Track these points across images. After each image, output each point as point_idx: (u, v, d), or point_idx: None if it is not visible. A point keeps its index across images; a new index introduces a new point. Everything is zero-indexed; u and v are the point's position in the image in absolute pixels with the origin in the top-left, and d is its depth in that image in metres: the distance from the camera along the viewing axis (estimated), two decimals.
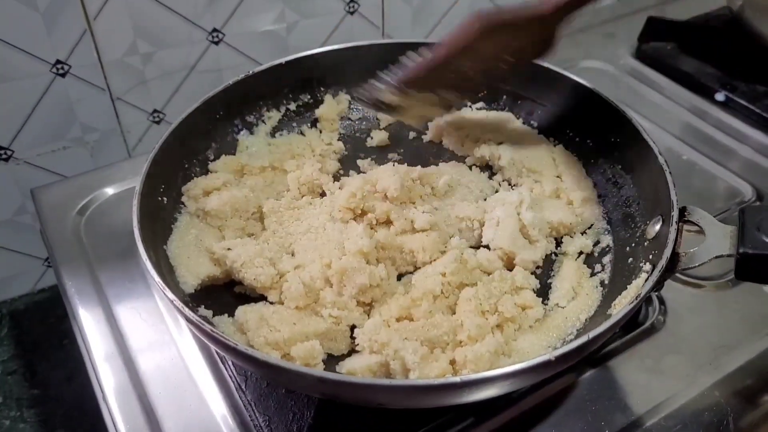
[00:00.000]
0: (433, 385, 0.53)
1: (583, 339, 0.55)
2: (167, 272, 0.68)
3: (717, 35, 1.15)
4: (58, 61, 1.13)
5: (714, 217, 0.85)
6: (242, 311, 0.67)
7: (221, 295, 0.72)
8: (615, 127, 0.79)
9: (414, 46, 0.91)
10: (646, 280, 0.60)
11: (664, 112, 1.06)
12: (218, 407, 0.68)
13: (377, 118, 0.94)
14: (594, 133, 0.84)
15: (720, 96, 1.06)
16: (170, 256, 0.71)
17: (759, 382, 0.70)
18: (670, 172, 0.68)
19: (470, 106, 0.93)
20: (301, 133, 0.90)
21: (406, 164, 0.87)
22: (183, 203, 0.77)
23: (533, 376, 0.59)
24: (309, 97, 0.92)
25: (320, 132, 0.91)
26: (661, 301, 0.77)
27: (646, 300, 0.76)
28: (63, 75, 1.15)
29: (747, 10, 1.09)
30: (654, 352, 0.72)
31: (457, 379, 0.52)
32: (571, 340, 0.55)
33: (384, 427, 0.66)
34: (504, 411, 0.67)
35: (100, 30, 1.14)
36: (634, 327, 0.74)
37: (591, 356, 0.71)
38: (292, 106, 0.91)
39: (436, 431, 0.65)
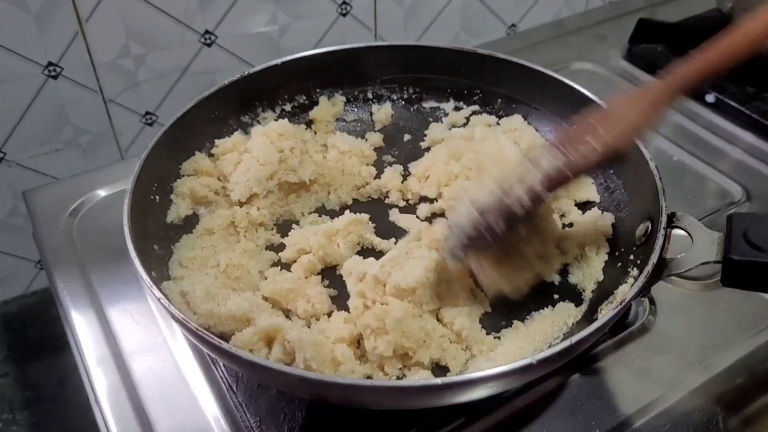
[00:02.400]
0: (414, 386, 0.53)
1: (565, 344, 0.55)
2: (158, 271, 0.68)
3: (707, 37, 1.15)
4: (50, 63, 1.13)
5: (704, 217, 0.87)
6: (189, 281, 0.68)
7: None
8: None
9: (408, 49, 0.92)
10: (631, 286, 0.60)
11: None
12: (210, 409, 0.68)
13: (372, 120, 0.94)
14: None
15: (710, 97, 1.07)
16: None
17: (748, 382, 0.71)
18: (660, 178, 0.68)
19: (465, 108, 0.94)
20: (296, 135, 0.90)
21: (401, 167, 0.88)
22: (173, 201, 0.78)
23: (515, 379, 0.59)
24: (304, 98, 0.92)
25: (315, 133, 0.91)
26: (651, 302, 0.77)
27: (637, 300, 0.76)
28: (55, 77, 1.15)
29: (737, 11, 1.09)
30: (644, 352, 0.73)
31: (437, 381, 0.52)
32: (556, 344, 0.56)
33: (375, 427, 0.66)
34: (495, 411, 0.67)
35: (92, 32, 1.14)
36: (624, 327, 0.75)
37: (581, 357, 0.71)
38: (288, 107, 0.91)
39: (428, 431, 0.66)
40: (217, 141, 0.83)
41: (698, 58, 0.64)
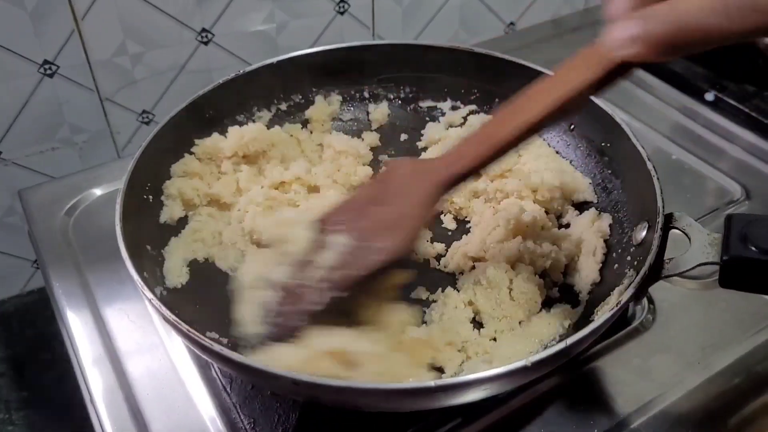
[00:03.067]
0: (407, 389, 0.53)
1: (560, 346, 0.54)
2: (150, 272, 0.68)
3: None
4: (46, 62, 1.13)
5: (703, 216, 0.87)
6: None
7: (208, 292, 0.72)
8: (606, 132, 0.79)
9: (405, 48, 0.91)
10: (627, 287, 0.60)
11: (654, 112, 1.07)
12: (206, 409, 0.68)
13: (369, 120, 0.93)
14: (585, 138, 0.84)
15: (709, 96, 1.06)
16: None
17: (747, 381, 0.70)
18: (657, 178, 0.68)
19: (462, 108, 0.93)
20: (291, 134, 0.90)
21: None
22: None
23: (510, 381, 0.58)
24: (300, 97, 0.91)
25: (311, 132, 0.91)
26: (650, 300, 0.77)
27: (635, 299, 0.76)
28: (51, 75, 1.15)
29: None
30: (642, 351, 0.72)
31: (431, 383, 0.51)
32: (552, 346, 0.55)
33: (370, 429, 0.66)
34: (492, 411, 0.67)
35: (88, 30, 1.13)
36: (623, 327, 0.74)
37: (579, 357, 0.71)
38: (283, 106, 0.90)
39: None
40: (197, 141, 0.82)
41: (471, 145, 0.62)
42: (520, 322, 0.69)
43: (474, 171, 0.62)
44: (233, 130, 0.82)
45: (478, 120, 0.91)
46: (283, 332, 0.60)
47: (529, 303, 0.69)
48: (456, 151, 0.63)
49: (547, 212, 0.79)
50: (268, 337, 0.61)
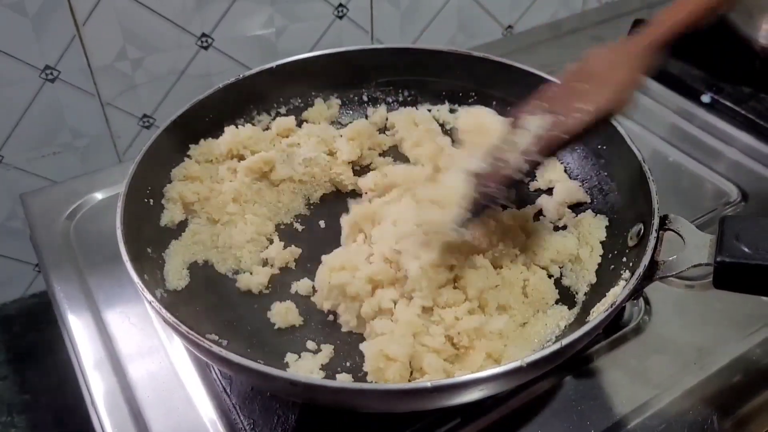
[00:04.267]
0: (403, 389, 0.53)
1: (555, 347, 0.55)
2: (150, 274, 0.68)
3: (703, 37, 1.15)
4: (48, 67, 1.14)
5: (700, 217, 0.87)
6: None
7: (207, 295, 0.73)
8: (602, 134, 0.79)
9: (403, 52, 0.92)
10: (623, 288, 0.60)
11: (650, 115, 1.07)
12: (206, 411, 0.68)
13: (369, 124, 0.94)
14: (582, 141, 0.84)
15: (706, 98, 1.07)
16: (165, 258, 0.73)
17: (743, 382, 0.71)
18: (652, 180, 0.68)
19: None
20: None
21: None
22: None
23: (505, 382, 0.59)
24: (299, 101, 0.92)
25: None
26: (646, 302, 0.77)
27: (632, 301, 0.76)
28: (52, 80, 1.15)
29: (733, 12, 1.09)
30: (639, 352, 0.73)
31: (427, 384, 0.52)
32: (548, 347, 0.56)
33: (369, 430, 0.66)
34: (490, 411, 0.67)
35: (89, 35, 1.14)
36: (619, 328, 0.75)
37: (575, 357, 0.71)
38: (283, 110, 0.91)
39: None
40: (191, 145, 0.82)
41: (667, 15, 0.66)
42: (524, 324, 0.69)
43: (670, 37, 0.66)
44: (229, 130, 0.83)
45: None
46: (482, 200, 0.64)
47: (540, 302, 0.70)
48: (652, 26, 0.67)
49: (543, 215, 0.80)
50: (469, 211, 0.65)
